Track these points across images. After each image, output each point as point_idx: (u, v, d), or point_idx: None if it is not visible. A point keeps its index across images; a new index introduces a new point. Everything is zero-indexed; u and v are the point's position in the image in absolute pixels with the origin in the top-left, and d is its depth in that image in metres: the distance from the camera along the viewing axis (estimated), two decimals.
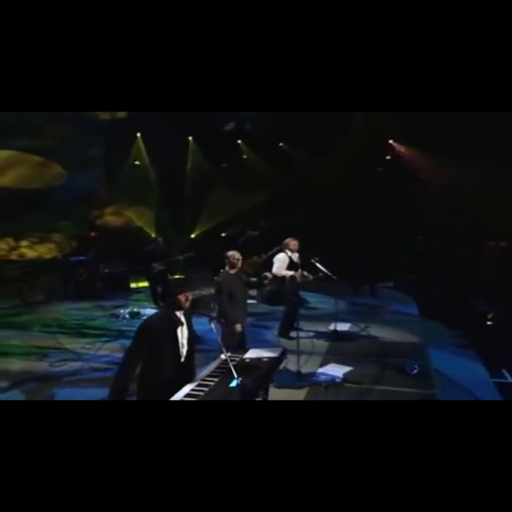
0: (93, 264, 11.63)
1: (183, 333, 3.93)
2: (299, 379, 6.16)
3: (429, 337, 8.03)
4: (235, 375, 3.60)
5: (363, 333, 8.37)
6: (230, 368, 3.71)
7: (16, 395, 5.83)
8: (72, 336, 8.20)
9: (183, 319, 3.94)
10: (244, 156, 16.62)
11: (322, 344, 7.76)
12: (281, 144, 15.95)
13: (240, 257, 6.22)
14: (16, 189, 13.83)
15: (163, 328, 3.82)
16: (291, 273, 7.89)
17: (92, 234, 16.24)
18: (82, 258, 11.75)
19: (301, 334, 8.17)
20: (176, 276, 13.35)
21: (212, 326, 4.13)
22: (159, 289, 10.35)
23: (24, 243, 15.02)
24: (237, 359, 4.36)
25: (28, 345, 7.71)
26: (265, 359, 4.35)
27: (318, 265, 8.05)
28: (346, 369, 6.49)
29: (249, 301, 10.33)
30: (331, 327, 8.25)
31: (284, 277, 7.87)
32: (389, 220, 13.77)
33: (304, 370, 6.41)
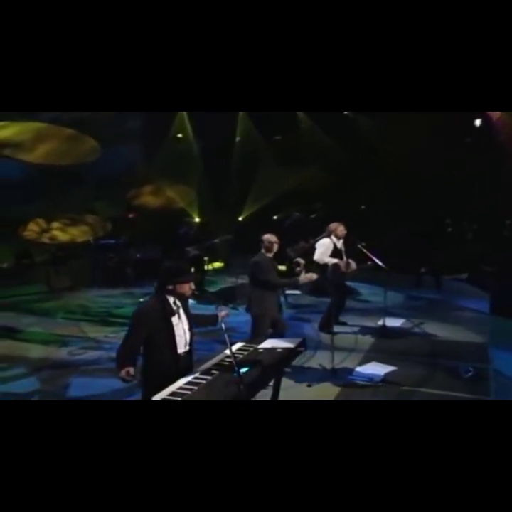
0: (124, 248, 12.27)
1: (180, 323, 4.22)
2: (332, 377, 6.43)
3: (496, 338, 8.05)
4: (236, 369, 3.90)
5: (417, 329, 8.51)
6: (232, 362, 4.05)
7: (31, 382, 6.48)
8: (96, 324, 8.85)
9: (180, 307, 4.23)
10: (302, 127, 16.61)
11: (366, 340, 8.00)
12: (346, 112, 15.67)
13: (277, 241, 6.57)
14: (46, 166, 14.64)
15: (156, 316, 4.11)
16: (334, 261, 8.17)
17: (130, 216, 16.92)
18: (111, 242, 12.49)
19: (345, 329, 8.48)
20: (216, 263, 13.90)
21: (219, 312, 4.48)
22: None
23: (56, 225, 15.94)
24: (250, 349, 4.71)
25: (49, 332, 8.44)
26: (279, 349, 4.66)
27: (366, 252, 8.25)
28: (389, 368, 6.69)
29: (292, 292, 10.80)
30: (380, 322, 8.44)
31: (326, 266, 8.14)
32: (469, 200, 13.54)
33: (340, 367, 6.68)
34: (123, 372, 3.99)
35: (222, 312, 4.59)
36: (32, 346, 7.82)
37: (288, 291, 10.93)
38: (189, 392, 3.75)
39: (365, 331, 8.49)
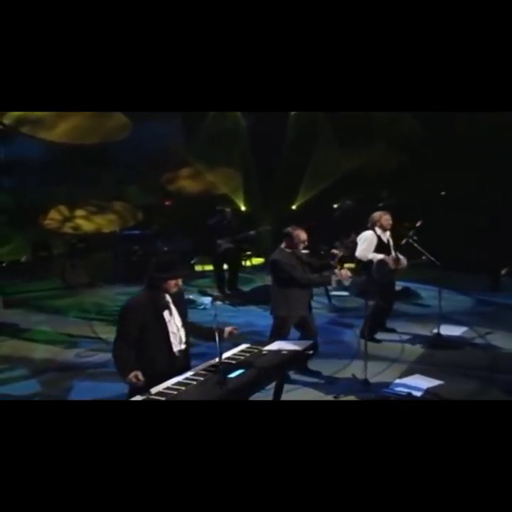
0: (150, 240, 12.86)
1: (171, 319, 4.69)
2: (364, 389, 6.74)
3: None
4: (220, 370, 4.33)
5: (479, 340, 8.66)
6: (228, 363, 4.48)
7: (31, 384, 7.13)
8: (110, 324, 9.42)
9: (170, 302, 4.68)
10: None
11: (415, 351, 8.25)
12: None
13: (306, 240, 6.95)
14: (68, 145, 15.41)
15: (147, 312, 4.57)
16: (380, 256, 8.37)
17: (167, 203, 17.57)
18: (136, 232, 13.12)
19: (392, 337, 8.74)
20: (256, 258, 14.33)
21: (212, 306, 4.91)
22: (226, 273, 11.34)
23: (80, 213, 16.80)
24: (254, 351, 5.14)
25: (58, 332, 9.14)
26: (284, 352, 5.07)
27: (417, 246, 8.46)
28: (434, 382, 6.91)
29: (337, 293, 11.11)
30: (435, 330, 8.64)
31: (370, 262, 8.40)
32: None
33: (376, 379, 7.00)
34: (132, 376, 4.38)
35: (228, 328, 4.99)
36: (37, 346, 8.52)
37: (333, 292, 11.26)
38: (175, 392, 4.21)
39: (415, 339, 8.71)
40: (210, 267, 12.97)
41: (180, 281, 4.68)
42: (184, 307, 4.91)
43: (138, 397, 4.14)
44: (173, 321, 4.70)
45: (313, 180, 16.93)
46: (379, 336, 8.69)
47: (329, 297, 10.74)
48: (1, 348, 8.54)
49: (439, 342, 8.43)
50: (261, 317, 7.31)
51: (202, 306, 10.45)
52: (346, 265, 11.59)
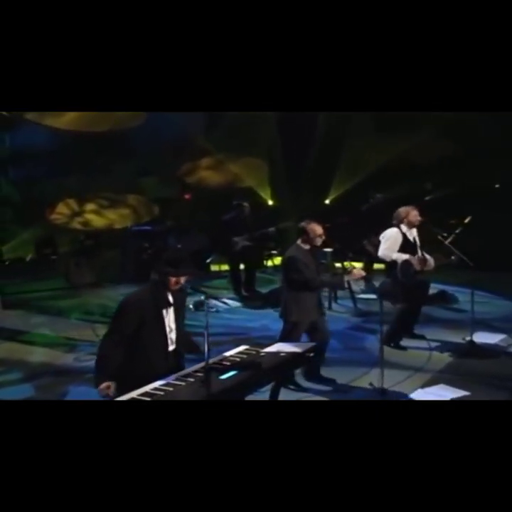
0: (162, 236, 13.25)
1: (169, 316, 5.06)
2: (381, 398, 6.98)
3: None
4: (205, 370, 4.64)
5: None
6: (221, 364, 4.79)
7: (25, 389, 7.50)
8: None
9: (171, 299, 5.06)
10: None
11: (443, 359, 8.46)
12: None
13: (322, 234, 7.20)
14: (78, 132, 15.84)
15: (147, 307, 4.94)
16: (405, 257, 8.55)
17: (186, 196, 17.98)
18: (147, 228, 13.50)
19: (419, 344, 8.95)
20: (278, 258, 14.56)
21: (207, 307, 5.25)
22: (243, 273, 11.65)
23: (90, 207, 17.38)
24: (252, 353, 5.46)
25: (58, 335, 9.56)
26: (283, 354, 5.38)
27: (448, 245, 8.65)
28: (458, 393, 7.10)
29: (365, 296, 11.36)
30: (468, 337, 8.81)
31: (394, 263, 8.59)
32: None
33: (395, 388, 7.22)
34: (104, 386, 4.76)
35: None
36: (35, 350, 8.95)
37: (361, 295, 11.52)
38: (162, 393, 4.54)
39: (445, 347, 8.90)
40: (227, 267, 13.23)
41: (182, 280, 5.00)
42: (183, 309, 5.31)
43: (123, 398, 4.47)
44: (168, 322, 5.07)
45: (348, 172, 16.97)
46: (405, 342, 8.91)
47: (355, 300, 10.98)
48: None
49: (471, 350, 8.58)
50: (278, 321, 7.55)
51: (214, 309, 10.84)
52: (376, 266, 11.90)
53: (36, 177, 16.65)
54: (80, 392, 7.31)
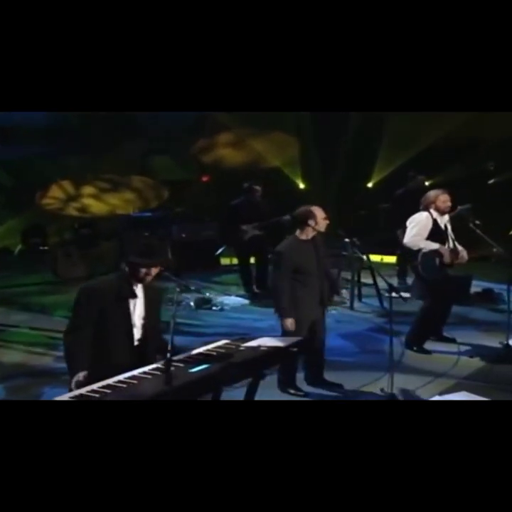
0: (165, 224, 13.66)
1: (137, 311, 5.48)
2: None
3: None
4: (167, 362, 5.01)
5: None
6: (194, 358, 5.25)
7: None
8: None
9: (138, 291, 5.45)
10: None
11: (470, 364, 8.74)
12: None
13: (327, 217, 7.55)
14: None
15: (109, 299, 5.36)
16: (435, 246, 8.80)
17: (204, 179, 18.41)
18: (148, 215, 13.93)
19: (446, 347, 9.27)
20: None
21: (179, 298, 5.67)
22: (253, 267, 12.04)
23: (88, 190, 17.83)
24: (232, 347, 5.91)
25: (38, 333, 10.11)
26: (264, 348, 5.82)
27: (480, 234, 8.87)
28: (477, 399, 7.45)
29: (397, 295, 11.66)
30: (505, 341, 9.02)
31: (417, 254, 8.86)
32: None
33: (409, 395, 7.60)
34: (81, 376, 5.16)
35: None
36: (11, 349, 9.55)
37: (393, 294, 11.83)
38: (124, 386, 4.96)
39: (477, 351, 9.16)
40: None
41: (153, 272, 5.38)
42: (157, 306, 5.73)
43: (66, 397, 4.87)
44: (137, 313, 5.50)
45: (392, 150, 17.08)
46: (432, 346, 9.22)
47: (381, 299, 11.29)
48: None
49: (506, 355, 8.79)
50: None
51: (219, 307, 11.37)
52: None
53: (30, 156, 17.09)
54: (56, 394, 7.76)
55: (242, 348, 5.86)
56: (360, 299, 11.88)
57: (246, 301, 12.07)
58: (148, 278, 5.39)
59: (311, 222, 7.41)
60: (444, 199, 8.85)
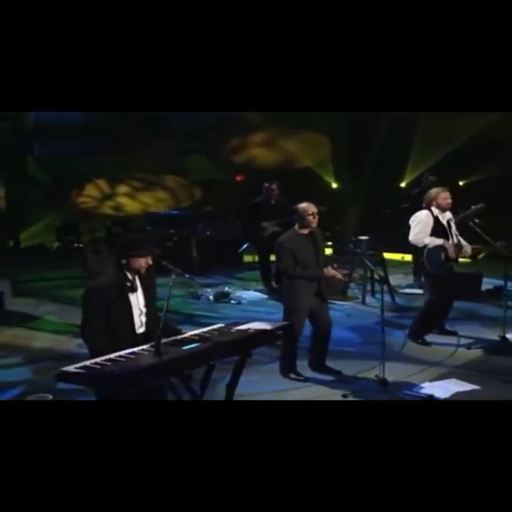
0: (189, 223, 14.51)
1: (139, 299, 6.23)
2: (381, 390, 8.06)
3: None
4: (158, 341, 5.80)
5: None
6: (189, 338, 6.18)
7: (21, 372, 9.09)
8: None
9: (138, 283, 6.15)
10: None
11: (467, 355, 9.45)
12: None
13: (315, 212, 8.37)
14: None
15: (112, 291, 5.98)
16: (439, 242, 9.48)
17: (238, 178, 19.19)
18: (175, 213, 14.76)
19: (445, 340, 10.10)
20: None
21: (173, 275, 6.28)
22: (272, 264, 12.50)
23: (123, 189, 18.71)
24: (225, 330, 6.82)
25: (65, 322, 11.16)
26: (252, 331, 6.76)
27: (479, 232, 9.57)
28: (468, 387, 8.12)
29: (410, 291, 12.45)
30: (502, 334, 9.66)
31: (425, 249, 9.53)
32: None
33: (398, 380, 8.36)
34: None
35: None
36: (39, 335, 10.63)
37: (405, 290, 12.62)
38: (123, 360, 5.80)
39: (475, 344, 9.86)
40: None
41: (143, 262, 6.08)
42: (153, 292, 6.45)
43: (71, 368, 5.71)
44: (138, 305, 6.27)
45: (425, 150, 17.51)
46: (434, 339, 9.99)
47: (393, 295, 12.14)
48: (1, 335, 10.68)
49: (502, 347, 9.44)
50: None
51: (236, 301, 12.35)
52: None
53: (66, 156, 18.08)
54: None
55: (232, 331, 6.72)
56: (373, 295, 12.60)
57: (264, 296, 12.89)
58: (143, 268, 6.07)
59: (302, 217, 8.35)
60: (444, 196, 9.57)
